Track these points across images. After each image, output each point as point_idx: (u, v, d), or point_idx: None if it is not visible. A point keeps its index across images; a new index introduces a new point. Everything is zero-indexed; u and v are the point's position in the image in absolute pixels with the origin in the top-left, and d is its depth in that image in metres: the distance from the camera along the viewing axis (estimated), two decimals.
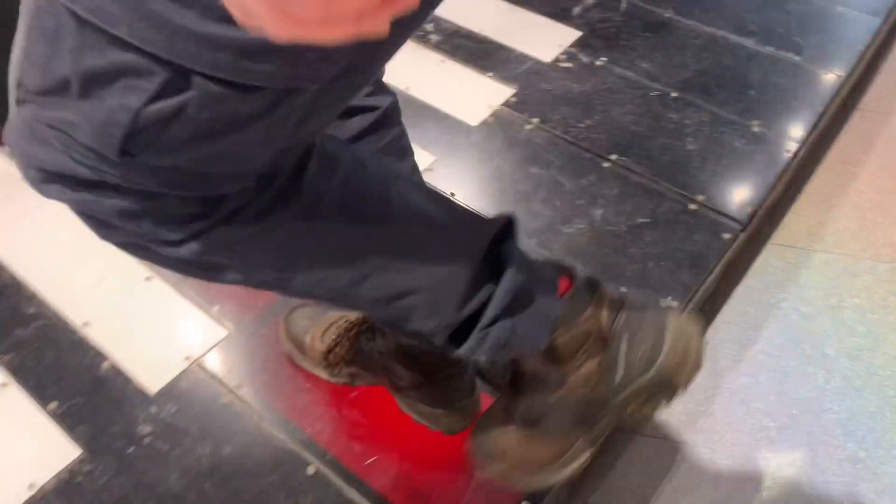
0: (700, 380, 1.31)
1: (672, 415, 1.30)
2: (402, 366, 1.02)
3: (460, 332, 0.78)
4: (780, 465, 1.24)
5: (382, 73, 0.91)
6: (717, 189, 1.44)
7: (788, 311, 1.44)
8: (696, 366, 0.87)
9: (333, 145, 0.73)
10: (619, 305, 0.85)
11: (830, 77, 1.68)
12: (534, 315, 0.78)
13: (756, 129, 1.55)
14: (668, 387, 0.86)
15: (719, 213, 1.40)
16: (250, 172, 0.65)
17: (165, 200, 0.64)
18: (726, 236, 1.37)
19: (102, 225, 0.68)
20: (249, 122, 0.58)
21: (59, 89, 0.57)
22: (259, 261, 0.72)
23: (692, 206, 1.41)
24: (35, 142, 0.62)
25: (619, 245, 1.35)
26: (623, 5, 1.87)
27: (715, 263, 1.33)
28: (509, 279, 0.76)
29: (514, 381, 0.89)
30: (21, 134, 0.62)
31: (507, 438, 0.89)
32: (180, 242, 0.67)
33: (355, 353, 1.08)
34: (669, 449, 1.26)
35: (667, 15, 1.84)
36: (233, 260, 0.71)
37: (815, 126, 1.58)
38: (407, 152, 0.96)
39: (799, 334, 1.41)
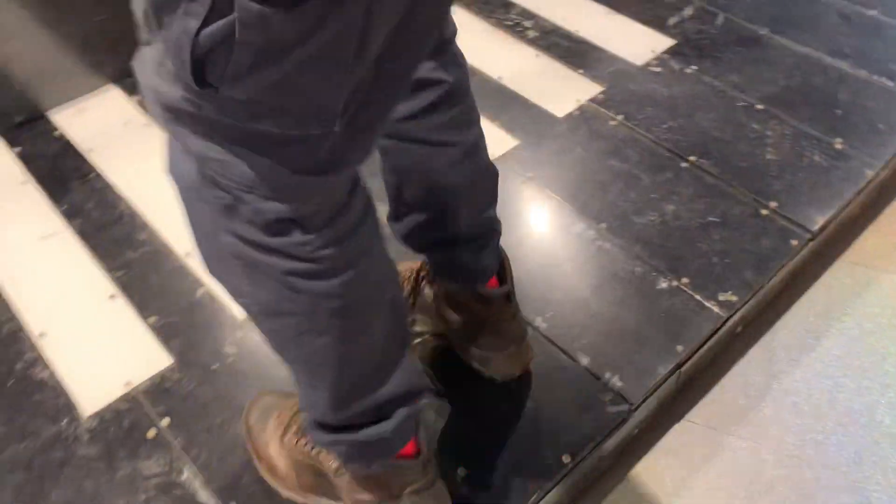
0: (754, 376, 1.35)
1: (721, 405, 1.34)
2: (451, 309, 1.11)
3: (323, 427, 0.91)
4: (825, 467, 1.26)
5: (451, 37, 0.97)
6: (791, 198, 1.47)
7: (851, 325, 1.45)
8: None
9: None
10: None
11: None
12: (371, 456, 0.93)
13: (839, 146, 1.58)
14: None
15: (790, 220, 1.43)
16: (327, 112, 0.65)
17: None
18: (794, 243, 1.40)
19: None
20: (300, 43, 0.58)
21: (146, 23, 0.62)
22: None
23: (763, 212, 1.45)
24: (154, 76, 0.66)
25: (687, 239, 1.40)
26: (720, 20, 1.91)
27: (779, 267, 1.37)
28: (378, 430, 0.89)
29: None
30: (143, 69, 0.67)
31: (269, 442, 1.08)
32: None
33: (416, 296, 1.18)
34: (714, 437, 1.30)
35: (762, 32, 1.87)
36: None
37: None
38: (473, 124, 1.02)
39: (858, 349, 1.42)
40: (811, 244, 1.42)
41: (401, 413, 0.89)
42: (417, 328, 1.23)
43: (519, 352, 1.15)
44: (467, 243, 1.07)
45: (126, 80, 1.75)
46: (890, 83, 1.73)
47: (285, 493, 1.07)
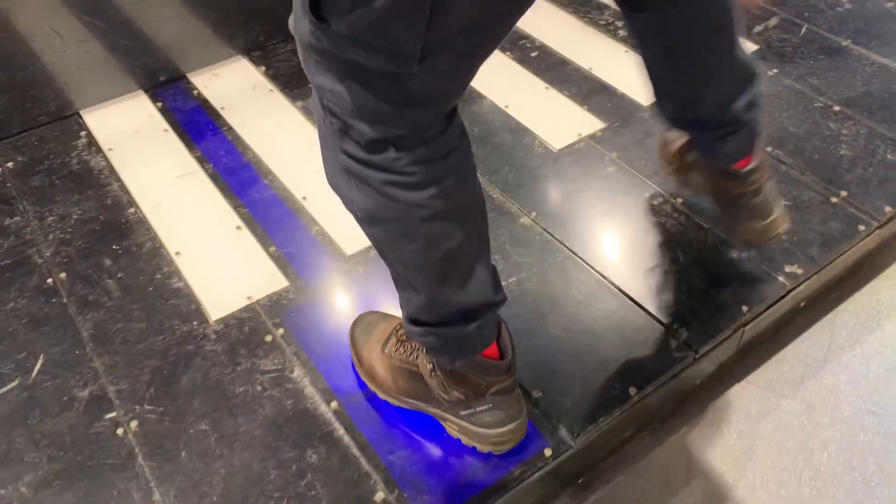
0: (814, 350, 1.45)
1: (780, 373, 1.43)
2: (704, 180, 1.39)
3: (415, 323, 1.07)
4: (878, 434, 1.34)
5: None
6: (862, 190, 1.56)
7: None
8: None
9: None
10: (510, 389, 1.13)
11: None
12: (455, 352, 1.07)
13: None
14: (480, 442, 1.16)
15: (858, 208, 1.52)
16: (406, 55, 0.78)
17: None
18: (861, 228, 1.49)
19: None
20: None
21: None
22: None
23: (833, 199, 1.54)
24: (299, 20, 0.83)
25: None
26: (803, 30, 2.02)
27: (846, 248, 1.46)
28: (461, 330, 1.04)
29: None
30: (294, 17, 0.85)
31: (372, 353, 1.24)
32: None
33: (680, 163, 1.46)
34: (772, 399, 1.39)
35: (844, 43, 1.96)
36: None
37: None
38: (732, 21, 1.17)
39: None
40: (878, 231, 1.51)
41: (481, 318, 1.04)
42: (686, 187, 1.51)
43: (763, 227, 1.35)
44: (714, 129, 1.27)
45: (254, 53, 1.97)
46: None
47: (383, 396, 1.22)
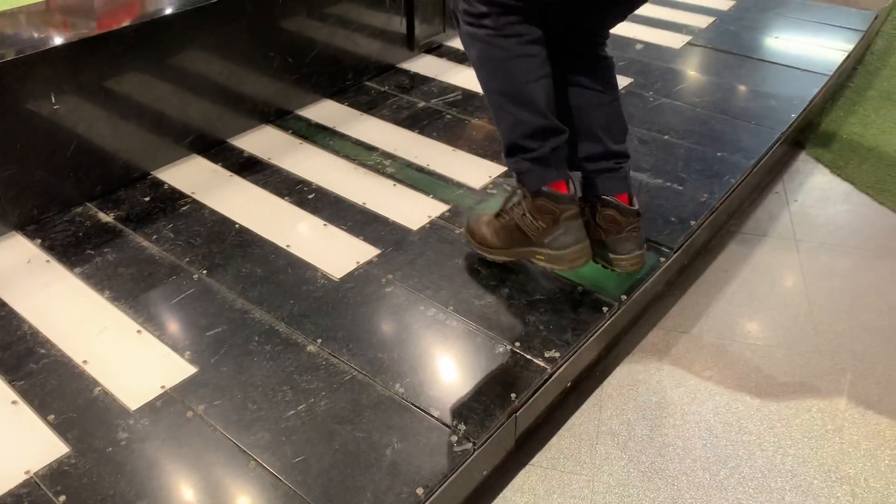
0: (587, 425, 1.60)
1: (559, 450, 1.56)
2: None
3: (510, 153, 1.66)
4: (646, 495, 1.49)
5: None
6: (601, 279, 1.79)
7: (663, 376, 1.74)
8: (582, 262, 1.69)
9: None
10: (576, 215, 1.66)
11: (710, 202, 2.08)
12: (540, 173, 1.63)
13: None
14: (560, 263, 1.68)
15: (603, 294, 1.75)
16: None
17: None
18: (605, 310, 1.70)
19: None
20: None
21: None
22: None
23: (580, 289, 1.76)
24: None
25: (518, 314, 1.68)
26: None
27: (595, 330, 1.66)
28: (540, 151, 1.62)
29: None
30: None
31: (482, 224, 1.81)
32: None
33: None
34: (554, 477, 1.52)
35: None
36: None
37: (690, 236, 1.96)
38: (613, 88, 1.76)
39: (649, 399, 1.70)
40: (621, 311, 1.73)
41: (551, 140, 1.59)
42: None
43: (639, 255, 1.72)
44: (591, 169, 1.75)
45: (28, 227, 1.97)
46: (680, 187, 2.15)
47: (493, 256, 1.79)
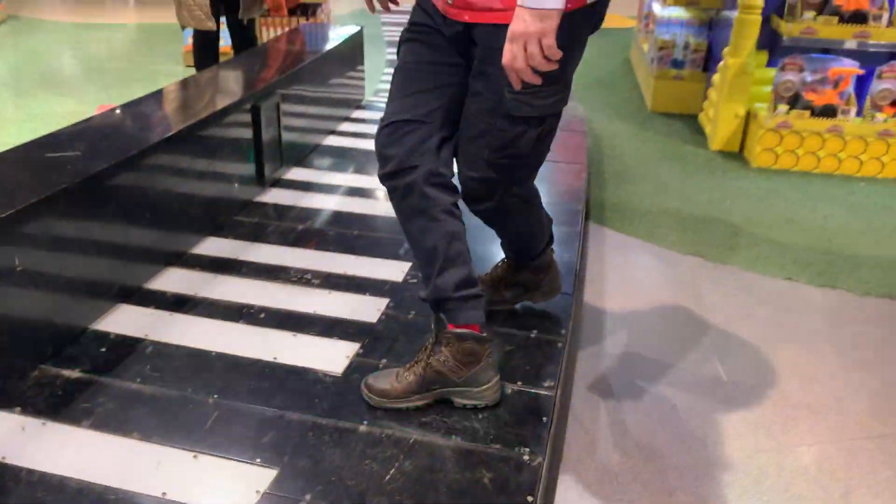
0: None
1: None
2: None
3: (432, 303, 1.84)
4: None
5: None
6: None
7: None
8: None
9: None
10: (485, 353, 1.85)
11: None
12: (473, 308, 1.82)
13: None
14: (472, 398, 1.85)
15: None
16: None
17: None
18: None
19: None
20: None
21: None
22: None
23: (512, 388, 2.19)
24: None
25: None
26: None
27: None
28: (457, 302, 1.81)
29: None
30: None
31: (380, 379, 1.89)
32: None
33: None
34: None
35: None
36: None
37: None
38: None
39: None
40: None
41: (467, 292, 1.78)
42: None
43: (558, 285, 2.25)
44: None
45: None
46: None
47: (405, 405, 1.83)
